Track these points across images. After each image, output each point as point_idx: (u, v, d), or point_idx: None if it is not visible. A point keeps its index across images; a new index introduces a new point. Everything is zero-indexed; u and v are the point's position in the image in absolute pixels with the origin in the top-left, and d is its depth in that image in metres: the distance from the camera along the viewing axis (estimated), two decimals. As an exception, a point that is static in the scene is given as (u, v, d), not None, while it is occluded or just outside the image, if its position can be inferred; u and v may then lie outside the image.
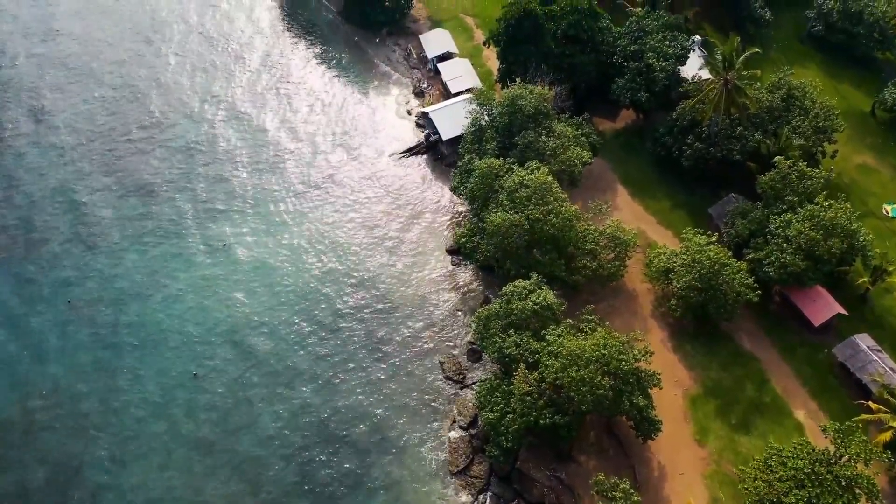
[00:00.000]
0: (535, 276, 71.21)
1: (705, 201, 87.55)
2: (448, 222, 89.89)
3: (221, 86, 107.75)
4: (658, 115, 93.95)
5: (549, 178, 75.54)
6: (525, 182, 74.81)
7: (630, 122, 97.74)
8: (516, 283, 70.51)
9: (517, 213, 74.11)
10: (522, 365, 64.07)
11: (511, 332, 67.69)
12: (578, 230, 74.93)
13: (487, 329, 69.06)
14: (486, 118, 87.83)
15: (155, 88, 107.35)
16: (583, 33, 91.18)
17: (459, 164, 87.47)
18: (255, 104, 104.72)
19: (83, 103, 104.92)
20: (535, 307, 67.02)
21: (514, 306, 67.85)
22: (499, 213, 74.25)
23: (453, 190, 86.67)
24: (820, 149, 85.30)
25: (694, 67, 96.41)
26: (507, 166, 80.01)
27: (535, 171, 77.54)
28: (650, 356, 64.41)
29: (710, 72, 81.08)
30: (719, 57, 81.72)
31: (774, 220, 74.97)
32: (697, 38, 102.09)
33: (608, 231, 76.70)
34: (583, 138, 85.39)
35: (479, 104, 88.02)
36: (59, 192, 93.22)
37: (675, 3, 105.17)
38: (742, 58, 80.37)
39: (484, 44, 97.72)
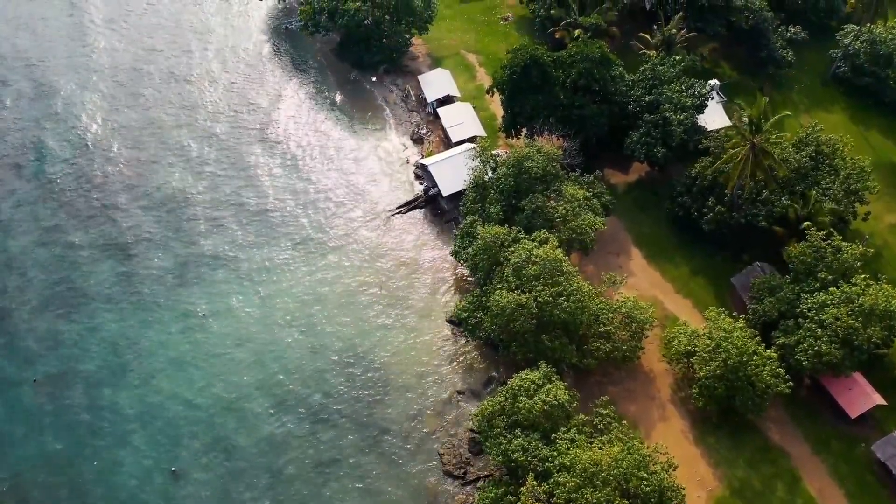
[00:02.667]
0: (543, 365, 64.66)
1: (727, 266, 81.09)
2: (449, 287, 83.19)
3: (205, 130, 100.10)
4: (674, 167, 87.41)
5: (560, 253, 68.95)
6: (533, 257, 68.20)
7: (644, 174, 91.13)
8: (523, 374, 63.95)
9: (524, 292, 67.54)
10: (531, 476, 57.40)
11: (517, 431, 61.09)
12: (591, 310, 68.23)
13: (491, 427, 62.48)
14: (490, 174, 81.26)
15: (136, 131, 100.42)
16: (594, 83, 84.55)
17: (461, 226, 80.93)
18: (240, 152, 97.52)
19: (58, 142, 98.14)
20: (545, 406, 60.39)
21: (520, 404, 61.21)
22: (504, 293, 67.62)
23: (454, 255, 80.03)
24: (851, 210, 78.77)
25: (712, 114, 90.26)
26: (512, 235, 73.39)
27: (544, 243, 71.04)
28: (674, 469, 57.77)
29: (736, 136, 74.31)
30: (745, 119, 75.02)
31: (806, 299, 68.41)
32: (715, 82, 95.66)
33: (623, 309, 70.14)
34: (594, 200, 78.78)
35: (481, 161, 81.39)
36: (31, 251, 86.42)
37: (691, 41, 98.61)
38: (771, 122, 73.67)
39: (487, 92, 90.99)
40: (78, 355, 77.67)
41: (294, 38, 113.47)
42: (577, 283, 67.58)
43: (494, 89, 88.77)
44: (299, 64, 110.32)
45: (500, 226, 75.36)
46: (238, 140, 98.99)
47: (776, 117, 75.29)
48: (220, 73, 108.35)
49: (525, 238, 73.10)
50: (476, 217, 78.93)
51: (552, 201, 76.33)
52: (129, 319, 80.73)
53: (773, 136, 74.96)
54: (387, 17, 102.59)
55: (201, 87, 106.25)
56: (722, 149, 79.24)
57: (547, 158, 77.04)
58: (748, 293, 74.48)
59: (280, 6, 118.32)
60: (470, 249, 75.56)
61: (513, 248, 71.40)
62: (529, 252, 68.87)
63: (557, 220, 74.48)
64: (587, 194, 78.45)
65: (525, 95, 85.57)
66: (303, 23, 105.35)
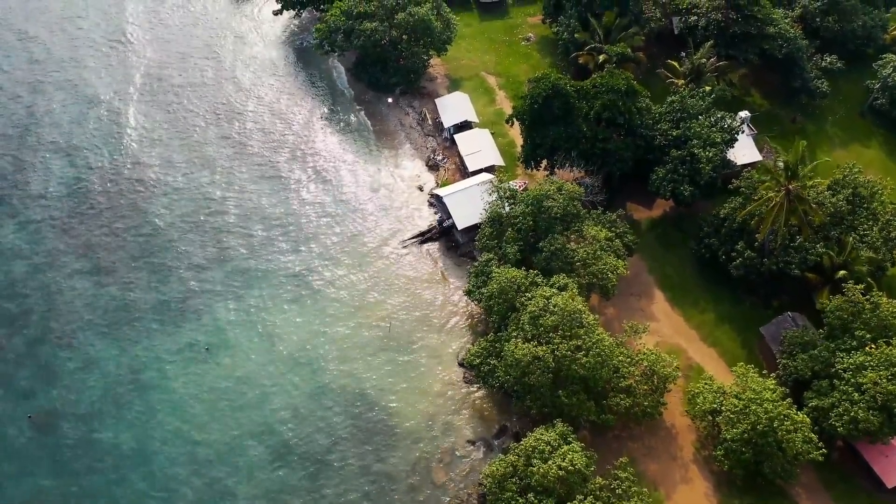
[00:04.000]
0: (559, 424, 60.96)
1: (755, 313, 77.01)
2: (462, 327, 79.55)
3: (210, 155, 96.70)
4: (701, 202, 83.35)
5: (579, 302, 65.18)
6: (551, 306, 64.46)
7: (669, 209, 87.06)
8: (537, 434, 60.32)
9: (540, 343, 63.85)
10: (544, 551, 53.81)
11: (531, 496, 57.44)
12: (612, 364, 64.37)
13: (502, 490, 58.92)
14: (507, 208, 77.63)
15: (143, 152, 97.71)
16: (619, 115, 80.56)
17: (475, 264, 77.33)
18: (247, 178, 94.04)
19: (62, 162, 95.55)
20: (561, 472, 56.69)
21: (535, 468, 57.56)
22: (519, 343, 63.97)
23: (468, 294, 76.47)
24: (891, 259, 74.33)
25: (742, 147, 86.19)
26: (530, 279, 69.68)
27: (563, 289, 67.29)
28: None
29: (770, 181, 70.07)
30: (781, 164, 70.74)
31: (842, 358, 64.12)
32: (745, 114, 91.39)
33: (645, 362, 66.25)
34: (616, 241, 74.86)
35: (498, 196, 77.73)
36: (31, 278, 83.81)
37: (721, 68, 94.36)
38: (808, 168, 69.36)
39: (507, 121, 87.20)
40: (76, 389, 74.84)
41: (309, 55, 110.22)
42: (598, 335, 63.73)
43: (514, 119, 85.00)
44: (313, 84, 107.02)
45: (516, 268, 71.79)
46: (245, 165, 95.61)
47: (814, 164, 70.94)
48: (229, 96, 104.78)
49: (543, 282, 69.44)
50: (492, 255, 75.35)
51: (572, 243, 72.55)
52: (129, 352, 77.86)
53: (811, 182, 70.64)
54: (404, 37, 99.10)
55: (207, 110, 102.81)
56: (753, 189, 75.11)
57: (568, 198, 73.31)
58: (778, 346, 70.30)
59: (295, 22, 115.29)
60: (485, 290, 72.06)
61: (530, 294, 67.73)
62: (547, 300, 65.16)
63: (577, 263, 70.70)
64: (609, 234, 74.59)
65: (546, 126, 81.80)
66: (318, 41, 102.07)
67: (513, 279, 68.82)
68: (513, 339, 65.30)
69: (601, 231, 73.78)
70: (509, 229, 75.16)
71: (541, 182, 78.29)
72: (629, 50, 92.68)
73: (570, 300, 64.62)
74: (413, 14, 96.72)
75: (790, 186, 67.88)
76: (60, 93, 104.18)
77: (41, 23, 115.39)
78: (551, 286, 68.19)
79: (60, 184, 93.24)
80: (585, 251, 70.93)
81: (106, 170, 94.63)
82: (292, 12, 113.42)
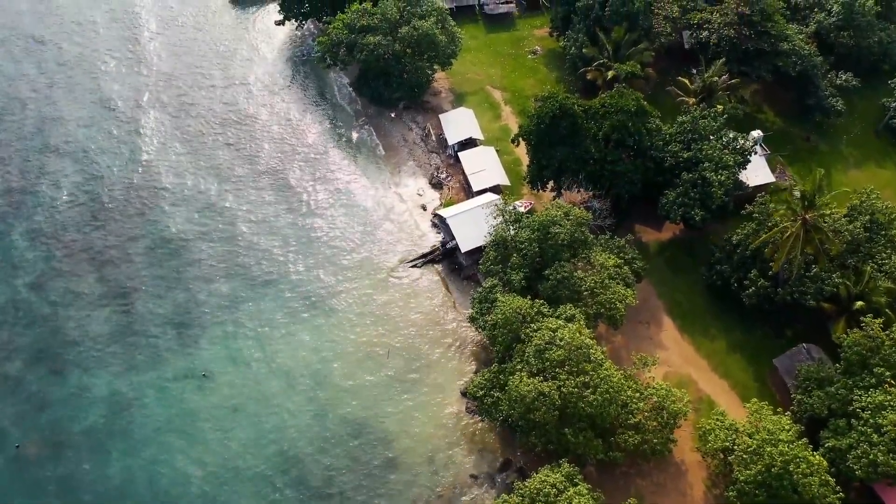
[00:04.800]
0: (566, 465, 58.68)
1: (768, 342, 74.63)
2: (465, 354, 77.28)
3: (205, 169, 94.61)
4: (712, 225, 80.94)
5: (587, 335, 62.84)
6: (557, 340, 62.11)
7: (679, 232, 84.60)
8: (542, 476, 58.04)
9: (546, 378, 61.52)
10: None
11: (535, 541, 55.19)
12: (621, 400, 61.98)
13: (506, 534, 56.59)
14: (512, 231, 75.26)
15: (132, 167, 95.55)
16: (628, 137, 78.15)
17: (479, 289, 75.03)
18: (245, 193, 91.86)
19: (60, 174, 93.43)
20: (566, 518, 54.41)
21: (539, 513, 55.30)
22: (524, 379, 61.66)
23: (471, 320, 74.17)
24: (909, 288, 71.75)
25: (755, 168, 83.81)
26: (535, 308, 67.30)
27: (570, 320, 64.96)
28: None
29: (786, 210, 67.60)
30: (797, 193, 68.20)
31: (860, 396, 61.60)
32: (758, 133, 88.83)
33: (655, 397, 63.84)
34: (625, 267, 72.45)
35: (503, 220, 75.36)
36: (25, 296, 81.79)
37: (733, 86, 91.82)
38: (826, 197, 66.89)
39: (512, 141, 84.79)
40: (68, 416, 72.78)
41: (310, 67, 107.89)
42: (606, 371, 61.38)
43: (520, 138, 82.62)
44: (314, 97, 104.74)
45: (521, 295, 69.47)
46: (241, 180, 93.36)
47: (832, 194, 68.55)
48: (226, 109, 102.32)
49: (549, 311, 67.10)
50: (496, 281, 73.02)
51: (579, 270, 70.17)
52: (124, 377, 75.77)
53: (828, 210, 68.11)
54: (408, 50, 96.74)
55: (203, 123, 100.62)
56: (766, 215, 72.65)
57: (575, 224, 70.94)
58: (793, 380, 67.86)
59: (297, 33, 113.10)
60: (489, 318, 69.74)
61: (535, 325, 65.37)
62: (553, 332, 62.81)
63: (585, 292, 68.35)
64: (618, 261, 72.18)
65: (553, 147, 79.43)
66: (320, 54, 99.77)
67: (518, 309, 66.48)
68: (517, 373, 63.00)
69: (609, 258, 71.40)
70: (514, 254, 72.80)
71: (547, 206, 75.96)
72: (639, 67, 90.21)
73: (578, 333, 62.29)
74: (417, 28, 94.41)
75: (807, 216, 65.39)
76: (47, 107, 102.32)
77: (52, 31, 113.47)
78: (558, 317, 65.85)
79: (60, 198, 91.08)
80: (593, 280, 68.59)
81: (104, 185, 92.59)
82: (295, 23, 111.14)
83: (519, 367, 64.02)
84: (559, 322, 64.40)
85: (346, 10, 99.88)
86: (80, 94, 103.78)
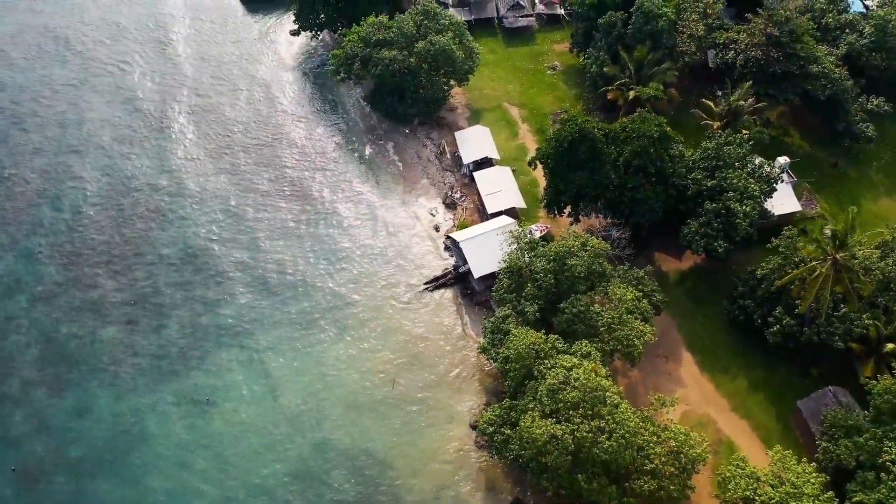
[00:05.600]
0: (578, 512, 56.11)
1: (792, 381, 71.54)
2: (475, 385, 74.86)
3: (217, 180, 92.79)
4: (735, 255, 77.86)
5: (603, 376, 60.19)
6: (572, 380, 59.47)
7: (700, 261, 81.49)
8: (554, 523, 55.40)
9: (559, 420, 58.90)
10: None
11: None
12: (636, 445, 59.24)
13: (514, 585, 54.05)
14: (527, 259, 72.65)
15: (140, 179, 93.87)
16: (650, 164, 75.34)
17: (492, 318, 72.44)
18: (253, 207, 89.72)
19: (75, 186, 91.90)
20: (578, 572, 51.85)
21: (549, 565, 52.75)
22: (536, 420, 59.10)
23: (483, 351, 71.65)
24: (943, 330, 68.47)
25: (781, 196, 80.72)
26: (550, 343, 64.67)
27: (585, 357, 62.35)
28: None
29: (816, 250, 64.50)
30: (828, 232, 65.03)
31: (890, 448, 58.43)
32: (784, 160, 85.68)
33: (673, 441, 61.02)
34: (644, 301, 69.64)
35: (518, 248, 72.78)
36: (29, 313, 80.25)
37: (759, 109, 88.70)
38: (858, 238, 63.78)
39: (529, 164, 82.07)
40: (67, 440, 71.42)
41: (324, 79, 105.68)
42: (622, 415, 58.67)
43: (537, 161, 79.96)
44: (327, 110, 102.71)
45: (535, 328, 66.92)
46: (250, 197, 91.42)
47: (867, 234, 65.28)
48: (231, 119, 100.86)
49: (564, 347, 64.49)
50: (509, 311, 70.45)
51: (596, 304, 67.51)
52: (126, 400, 74.25)
53: (860, 251, 64.92)
54: (424, 66, 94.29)
55: (214, 134, 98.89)
56: (793, 250, 69.57)
57: (593, 255, 68.26)
58: (818, 425, 64.73)
59: (312, 44, 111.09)
60: (501, 350, 67.18)
61: (549, 362, 62.79)
62: (568, 371, 60.20)
63: (602, 328, 65.66)
64: (636, 294, 69.38)
65: (571, 171, 76.79)
66: (334, 67, 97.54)
67: (531, 344, 63.88)
68: (529, 412, 60.44)
69: (628, 291, 68.61)
70: (529, 284, 70.18)
71: (564, 235, 73.21)
72: (661, 90, 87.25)
73: (593, 374, 59.62)
74: (434, 43, 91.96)
75: (837, 256, 62.32)
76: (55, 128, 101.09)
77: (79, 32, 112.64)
78: (573, 353, 63.22)
79: (70, 209, 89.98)
80: (610, 315, 65.87)
81: (114, 196, 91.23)
82: (310, 33, 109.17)
83: (531, 405, 61.45)
84: (574, 360, 61.78)
85: (361, 22, 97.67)
86: (90, 108, 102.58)
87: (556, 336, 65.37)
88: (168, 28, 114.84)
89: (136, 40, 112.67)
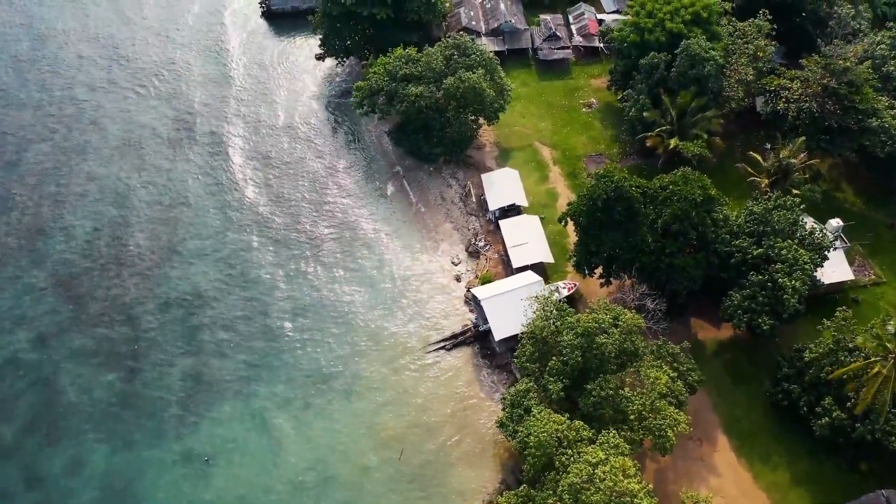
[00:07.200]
0: None
1: (840, 476, 65.65)
2: (489, 459, 69.60)
3: (226, 215, 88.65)
4: (778, 327, 71.62)
5: (633, 477, 54.55)
6: (597, 481, 53.98)
7: (740, 331, 75.30)
8: None
9: (581, 524, 53.52)
10: None
11: None
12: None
13: None
14: (552, 327, 67.08)
15: (140, 208, 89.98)
16: (690, 229, 69.45)
17: (511, 391, 67.16)
18: (265, 253, 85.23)
19: (77, 218, 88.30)
20: None
21: None
22: (556, 522, 53.81)
23: (500, 426, 66.29)
24: None
25: (832, 263, 74.37)
26: (574, 431, 59.20)
27: (613, 450, 56.82)
28: None
29: (876, 347, 58.19)
30: (891, 328, 58.68)
31: (952, 574, 52.23)
32: (837, 223, 79.32)
33: (706, 549, 55.36)
34: (678, 382, 63.83)
35: (545, 316, 67.28)
36: (24, 356, 76.60)
37: (810, 165, 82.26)
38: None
39: (559, 220, 76.41)
40: (59, 495, 67.64)
41: (346, 109, 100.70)
42: (652, 524, 53.14)
43: (568, 217, 74.38)
44: (348, 143, 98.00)
45: (558, 410, 61.55)
46: (265, 237, 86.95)
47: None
48: (255, 151, 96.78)
49: (589, 435, 58.99)
50: (531, 384, 65.07)
51: (626, 387, 61.92)
52: (122, 454, 70.35)
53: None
54: (452, 103, 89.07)
55: (227, 167, 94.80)
56: (846, 333, 63.32)
57: (625, 332, 62.61)
58: (868, 534, 58.62)
59: (338, 70, 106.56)
60: (521, 430, 61.74)
61: (572, 452, 57.38)
62: (593, 469, 54.71)
63: (631, 415, 60.07)
64: (671, 374, 63.61)
65: (604, 231, 71.23)
66: (357, 100, 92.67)
67: (554, 431, 58.47)
68: (549, 514, 55.19)
69: (661, 372, 62.86)
70: (553, 358, 64.70)
71: (594, 305, 67.53)
72: (706, 146, 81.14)
73: (621, 475, 54.04)
74: (464, 80, 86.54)
75: (901, 356, 56.17)
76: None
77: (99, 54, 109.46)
78: (599, 444, 57.71)
79: (75, 243, 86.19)
80: (641, 402, 60.21)
81: (118, 230, 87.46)
82: (335, 59, 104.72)
83: (550, 501, 56.09)
84: (600, 454, 56.23)
85: (389, 52, 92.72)
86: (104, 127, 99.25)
87: (581, 424, 59.81)
88: (178, 50, 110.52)
89: (153, 59, 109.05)
